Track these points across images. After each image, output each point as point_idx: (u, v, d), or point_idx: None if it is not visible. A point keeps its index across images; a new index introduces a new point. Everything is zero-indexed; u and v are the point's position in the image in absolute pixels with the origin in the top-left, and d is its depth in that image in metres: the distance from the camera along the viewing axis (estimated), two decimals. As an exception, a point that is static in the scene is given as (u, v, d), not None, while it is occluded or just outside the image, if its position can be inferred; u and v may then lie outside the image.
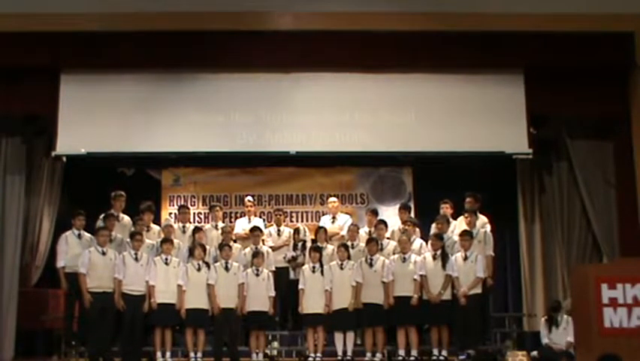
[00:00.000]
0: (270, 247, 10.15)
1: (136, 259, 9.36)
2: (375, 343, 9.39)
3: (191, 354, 9.25)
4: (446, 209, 10.24)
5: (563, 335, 9.34)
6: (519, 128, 10.23)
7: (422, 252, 9.79)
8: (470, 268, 9.36)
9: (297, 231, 10.42)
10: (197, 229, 10.04)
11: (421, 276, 9.40)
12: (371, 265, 9.49)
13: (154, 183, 11.84)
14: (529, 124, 10.26)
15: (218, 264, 9.50)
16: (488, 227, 9.97)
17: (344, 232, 10.38)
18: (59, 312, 10.01)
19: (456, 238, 9.80)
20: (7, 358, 9.75)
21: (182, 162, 11.44)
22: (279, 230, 10.48)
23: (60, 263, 9.55)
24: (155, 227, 10.29)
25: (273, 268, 9.86)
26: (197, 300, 9.32)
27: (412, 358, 9.28)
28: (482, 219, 10.05)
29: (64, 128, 10.06)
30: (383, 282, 9.41)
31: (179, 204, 11.52)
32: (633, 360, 6.79)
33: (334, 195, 11.27)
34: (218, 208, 10.74)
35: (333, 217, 10.74)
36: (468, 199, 10.08)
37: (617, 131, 10.52)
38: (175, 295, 9.31)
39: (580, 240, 10.81)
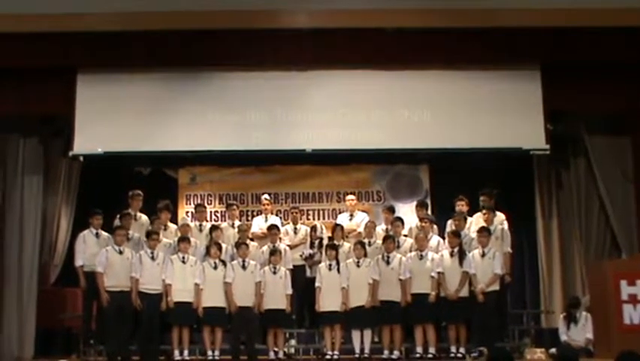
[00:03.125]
0: (287, 245, 10.12)
1: (152, 258, 9.40)
2: (392, 340, 9.40)
3: (209, 352, 9.28)
4: (462, 206, 10.20)
5: (581, 332, 9.26)
6: (536, 124, 10.16)
7: (439, 249, 9.78)
8: (488, 265, 9.36)
9: (313, 229, 10.40)
10: (213, 228, 10.05)
11: (439, 273, 9.38)
12: (388, 262, 9.49)
13: (171, 182, 11.87)
14: (547, 120, 10.20)
15: (235, 262, 9.50)
16: (506, 224, 9.94)
17: (361, 229, 10.35)
18: (78, 311, 10.05)
19: (473, 235, 9.78)
20: (27, 356, 9.82)
21: (199, 160, 11.46)
22: (295, 228, 10.44)
23: (78, 262, 9.60)
24: (172, 226, 10.31)
25: (291, 266, 9.86)
26: (214, 298, 9.36)
27: (429, 355, 9.28)
28: (500, 216, 10.02)
29: (81, 128, 10.07)
30: (400, 279, 9.40)
31: (195, 202, 11.50)
32: (653, 357, 6.72)
33: (351, 193, 11.20)
34: (234, 207, 10.76)
35: (351, 215, 10.70)
36: (482, 197, 10.07)
37: (634, 127, 10.41)
38: (192, 294, 9.33)
39: (598, 236, 10.73)
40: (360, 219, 10.61)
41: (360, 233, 10.34)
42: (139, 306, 9.24)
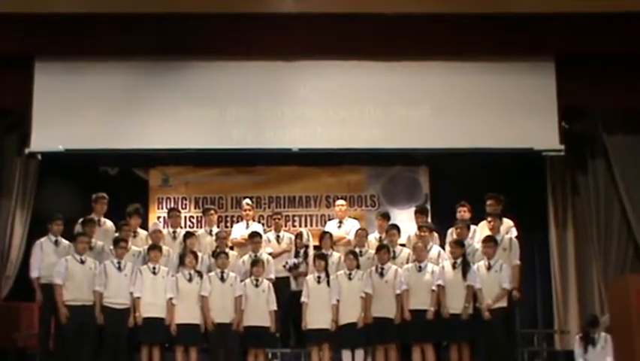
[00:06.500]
0: (269, 254, 9.67)
1: (119, 269, 8.89)
2: (387, 362, 8.98)
3: (182, 375, 8.93)
4: (464, 213, 9.67)
5: (600, 355, 8.88)
6: (549, 121, 9.98)
7: (440, 260, 9.25)
8: (494, 279, 8.83)
9: (299, 236, 9.91)
10: (188, 235, 9.58)
11: (439, 286, 8.85)
12: (382, 274, 8.99)
13: (140, 184, 11.45)
14: (561, 117, 10.01)
15: (212, 274, 9.05)
16: (514, 232, 9.47)
17: (351, 236, 9.87)
18: (33, 328, 9.51)
19: (477, 245, 9.30)
20: (-25, 380, 9.44)
21: (172, 160, 11.15)
22: (278, 236, 9.96)
23: (34, 273, 9.05)
24: (142, 232, 9.83)
25: (273, 277, 9.38)
26: (188, 314, 8.86)
27: (428, 378, 8.89)
28: (507, 223, 9.54)
29: (39, 123, 9.85)
30: (396, 293, 8.89)
31: (168, 206, 11.15)
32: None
33: (342, 198, 10.72)
34: (212, 212, 10.25)
35: (340, 222, 10.20)
36: (489, 202, 9.57)
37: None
38: (164, 309, 8.85)
39: (619, 247, 10.45)
40: (350, 227, 10.12)
41: (349, 240, 9.87)
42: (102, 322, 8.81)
